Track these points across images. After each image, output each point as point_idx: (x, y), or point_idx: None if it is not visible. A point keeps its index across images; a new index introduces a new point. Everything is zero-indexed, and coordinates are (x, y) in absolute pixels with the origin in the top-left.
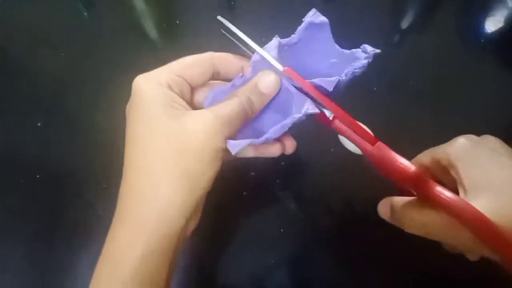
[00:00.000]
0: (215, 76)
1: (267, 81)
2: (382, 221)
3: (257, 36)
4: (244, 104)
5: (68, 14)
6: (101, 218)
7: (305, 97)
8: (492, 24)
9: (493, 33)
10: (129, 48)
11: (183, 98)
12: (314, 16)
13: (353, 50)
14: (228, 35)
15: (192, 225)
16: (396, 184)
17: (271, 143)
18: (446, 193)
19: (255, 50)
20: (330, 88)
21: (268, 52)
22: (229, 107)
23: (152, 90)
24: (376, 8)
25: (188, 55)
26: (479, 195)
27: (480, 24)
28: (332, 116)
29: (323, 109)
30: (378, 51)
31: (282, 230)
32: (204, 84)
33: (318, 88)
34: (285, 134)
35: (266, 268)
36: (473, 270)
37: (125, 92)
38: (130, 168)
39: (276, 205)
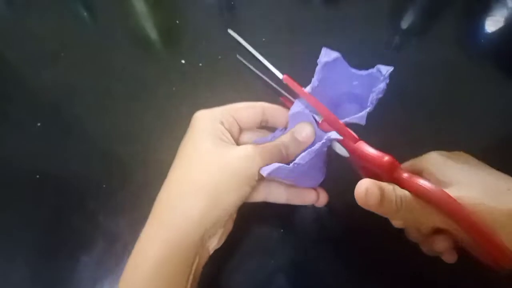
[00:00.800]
0: (263, 123)
1: (304, 132)
2: (385, 224)
3: (257, 36)
4: (281, 147)
5: (68, 17)
6: (101, 223)
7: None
8: (492, 24)
9: (493, 34)
10: (130, 49)
11: (232, 135)
12: (326, 55)
13: (370, 70)
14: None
15: (213, 244)
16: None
17: (306, 190)
18: (415, 178)
19: (261, 60)
20: (363, 122)
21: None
22: (269, 146)
23: (207, 122)
24: (377, 11)
25: (187, 55)
26: (450, 187)
27: (480, 24)
28: (321, 119)
29: (314, 114)
30: (391, 69)
31: (282, 230)
32: (252, 129)
33: (350, 125)
34: (320, 186)
35: (266, 270)
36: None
37: (125, 94)
38: (171, 178)
39: (277, 206)
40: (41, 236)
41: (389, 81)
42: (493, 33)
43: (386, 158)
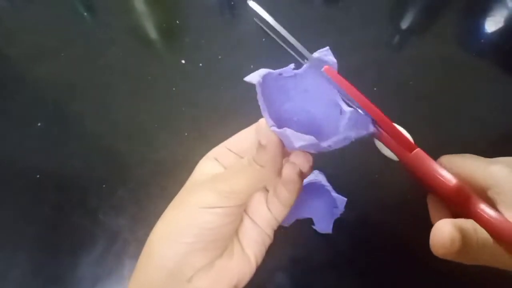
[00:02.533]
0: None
1: (264, 134)
2: (382, 221)
3: (257, 36)
4: (249, 161)
5: (68, 17)
6: (101, 221)
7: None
8: (492, 24)
9: (493, 33)
10: (130, 49)
11: (229, 165)
12: (324, 54)
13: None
14: (259, 23)
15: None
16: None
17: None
18: (490, 212)
19: (285, 37)
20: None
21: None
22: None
23: (201, 161)
24: (377, 10)
25: (188, 55)
26: None
27: (480, 24)
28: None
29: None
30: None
31: (282, 230)
32: None
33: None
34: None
35: (266, 269)
36: None
37: (125, 94)
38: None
39: None
40: (42, 233)
41: (389, 79)
42: (493, 32)
43: (454, 182)
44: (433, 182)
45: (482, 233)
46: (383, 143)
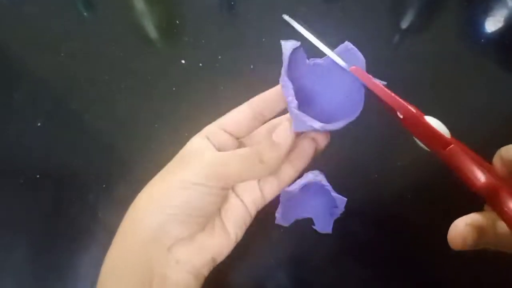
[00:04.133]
0: (261, 120)
1: (280, 131)
2: (382, 221)
3: (257, 36)
4: (253, 155)
5: (67, 15)
6: (100, 219)
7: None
8: (492, 24)
9: (493, 33)
10: (129, 48)
11: (221, 146)
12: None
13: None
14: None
15: (182, 256)
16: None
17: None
18: None
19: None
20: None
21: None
22: (235, 156)
23: (192, 138)
24: (376, 8)
25: (188, 55)
26: None
27: (480, 24)
28: (402, 116)
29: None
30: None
31: (282, 230)
32: (252, 131)
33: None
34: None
35: (266, 268)
36: None
37: (125, 93)
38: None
39: (276, 205)
40: (41, 230)
41: (388, 77)
42: (493, 32)
43: (483, 179)
44: (466, 178)
45: (502, 228)
46: (418, 139)
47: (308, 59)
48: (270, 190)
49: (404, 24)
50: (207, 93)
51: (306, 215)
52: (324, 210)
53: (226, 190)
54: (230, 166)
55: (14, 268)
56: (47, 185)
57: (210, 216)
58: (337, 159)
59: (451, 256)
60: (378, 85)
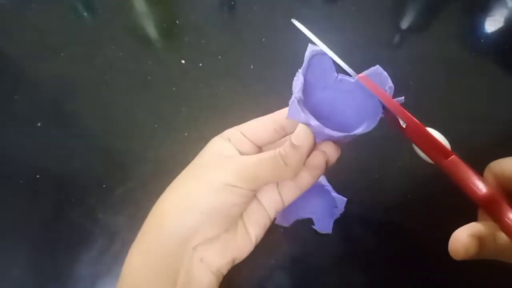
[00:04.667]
0: (282, 133)
1: (300, 135)
2: (382, 221)
3: (257, 36)
4: (278, 158)
5: (68, 16)
6: (100, 220)
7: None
8: (492, 24)
9: (493, 33)
10: (129, 49)
11: (241, 150)
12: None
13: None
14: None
15: (209, 256)
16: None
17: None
18: None
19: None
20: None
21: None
22: (261, 159)
23: (214, 140)
24: (376, 9)
25: (188, 55)
26: None
27: (480, 24)
28: (405, 124)
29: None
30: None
31: (282, 230)
32: (274, 142)
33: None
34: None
35: (266, 268)
36: None
37: (125, 93)
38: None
39: None
40: (41, 232)
41: (390, 78)
42: (493, 32)
43: (484, 190)
44: (466, 190)
45: (501, 239)
46: (420, 148)
47: (337, 73)
48: (288, 194)
49: (404, 25)
50: (207, 93)
51: (306, 215)
52: (324, 210)
53: (254, 192)
54: (259, 169)
55: (14, 269)
56: (47, 186)
57: (237, 216)
58: (337, 159)
59: (451, 257)
60: (384, 94)
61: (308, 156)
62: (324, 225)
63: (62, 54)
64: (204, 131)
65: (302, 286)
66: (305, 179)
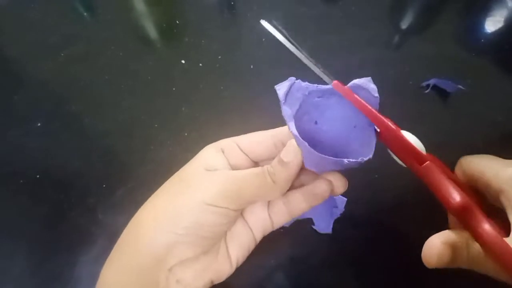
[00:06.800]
0: (282, 147)
1: (288, 152)
2: (382, 221)
3: (257, 36)
4: (265, 174)
5: (68, 16)
6: (100, 220)
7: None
8: (492, 24)
9: (493, 33)
10: (129, 49)
11: (233, 163)
12: (364, 83)
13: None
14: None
15: (187, 278)
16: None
17: (313, 184)
18: (491, 233)
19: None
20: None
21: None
22: (247, 176)
23: (207, 148)
24: (376, 9)
25: (188, 55)
26: None
27: (480, 24)
28: (379, 129)
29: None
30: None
31: (282, 230)
32: (270, 158)
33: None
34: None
35: (266, 268)
36: None
37: (125, 93)
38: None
39: None
40: (41, 232)
41: (388, 78)
42: (493, 32)
43: (458, 199)
44: (440, 197)
45: (474, 248)
46: (394, 153)
47: (306, 90)
48: (279, 217)
49: (404, 25)
50: (207, 93)
51: (306, 215)
52: (324, 210)
53: (238, 212)
54: (244, 186)
55: (14, 269)
56: (47, 187)
57: (218, 238)
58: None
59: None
60: (357, 99)
61: (296, 174)
62: (324, 225)
63: (62, 54)
64: (204, 131)
65: (302, 286)
66: (300, 204)
